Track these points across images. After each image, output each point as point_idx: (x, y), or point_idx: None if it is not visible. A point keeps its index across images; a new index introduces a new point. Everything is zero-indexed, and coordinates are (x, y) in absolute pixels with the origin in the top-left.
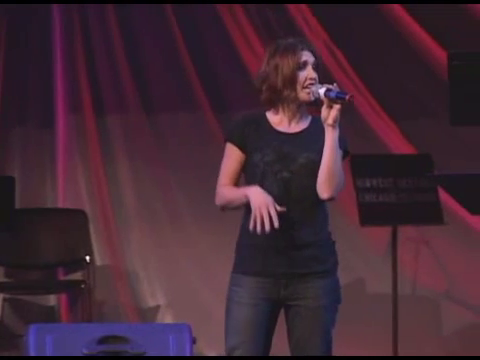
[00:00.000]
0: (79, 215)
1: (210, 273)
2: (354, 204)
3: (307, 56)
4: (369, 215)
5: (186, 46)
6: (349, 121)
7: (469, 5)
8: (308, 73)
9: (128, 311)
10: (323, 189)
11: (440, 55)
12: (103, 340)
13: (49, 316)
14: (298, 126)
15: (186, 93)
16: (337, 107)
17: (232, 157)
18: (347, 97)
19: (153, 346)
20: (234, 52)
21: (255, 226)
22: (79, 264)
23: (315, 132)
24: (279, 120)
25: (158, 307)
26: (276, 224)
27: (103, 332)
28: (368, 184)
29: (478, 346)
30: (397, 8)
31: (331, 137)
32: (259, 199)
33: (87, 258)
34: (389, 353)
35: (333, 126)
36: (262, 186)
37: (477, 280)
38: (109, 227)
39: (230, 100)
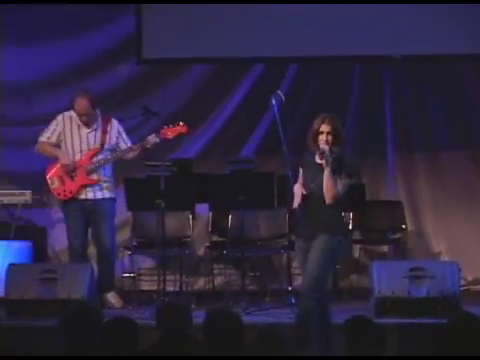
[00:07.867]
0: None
1: None
2: None
3: (323, 127)
4: None
5: None
6: None
7: None
8: (321, 137)
9: None
10: (325, 198)
11: None
12: None
13: None
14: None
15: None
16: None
17: None
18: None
19: None
20: None
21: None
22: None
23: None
24: None
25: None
26: None
27: None
28: None
29: None
30: None
31: (325, 171)
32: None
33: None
34: None
35: (324, 166)
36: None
37: None
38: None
39: None
